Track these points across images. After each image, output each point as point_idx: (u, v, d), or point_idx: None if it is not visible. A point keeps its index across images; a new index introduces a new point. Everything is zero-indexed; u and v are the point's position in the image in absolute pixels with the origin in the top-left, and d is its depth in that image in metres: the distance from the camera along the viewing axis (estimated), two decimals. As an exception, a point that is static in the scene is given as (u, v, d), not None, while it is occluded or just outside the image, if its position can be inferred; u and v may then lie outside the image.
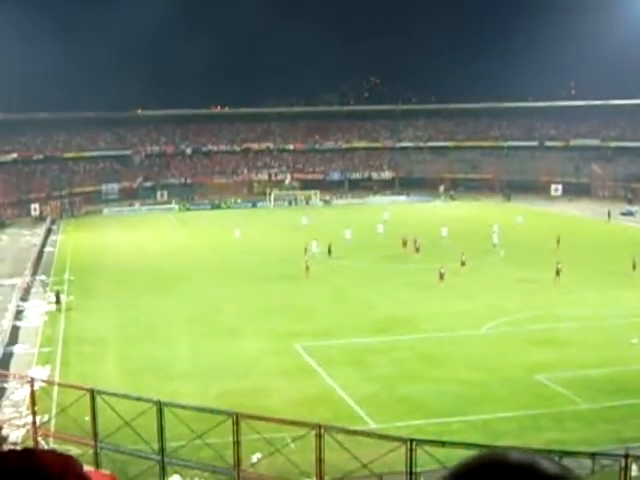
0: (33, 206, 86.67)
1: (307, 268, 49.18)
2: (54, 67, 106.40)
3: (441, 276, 46.04)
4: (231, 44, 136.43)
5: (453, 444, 17.08)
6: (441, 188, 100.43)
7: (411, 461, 16.34)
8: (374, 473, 17.36)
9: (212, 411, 19.80)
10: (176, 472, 19.32)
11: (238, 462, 18.30)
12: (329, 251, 56.05)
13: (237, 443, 18.12)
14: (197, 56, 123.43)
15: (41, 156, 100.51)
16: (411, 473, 16.40)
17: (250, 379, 29.88)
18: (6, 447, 21.00)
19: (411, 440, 16.67)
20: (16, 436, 23.52)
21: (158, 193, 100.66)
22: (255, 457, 20.45)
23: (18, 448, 1.71)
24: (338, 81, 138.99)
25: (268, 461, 19.86)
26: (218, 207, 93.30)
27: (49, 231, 74.78)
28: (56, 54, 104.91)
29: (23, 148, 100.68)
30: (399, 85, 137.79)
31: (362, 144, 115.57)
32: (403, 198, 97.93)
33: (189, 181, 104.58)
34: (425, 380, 29.51)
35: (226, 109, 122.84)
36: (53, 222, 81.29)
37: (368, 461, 17.33)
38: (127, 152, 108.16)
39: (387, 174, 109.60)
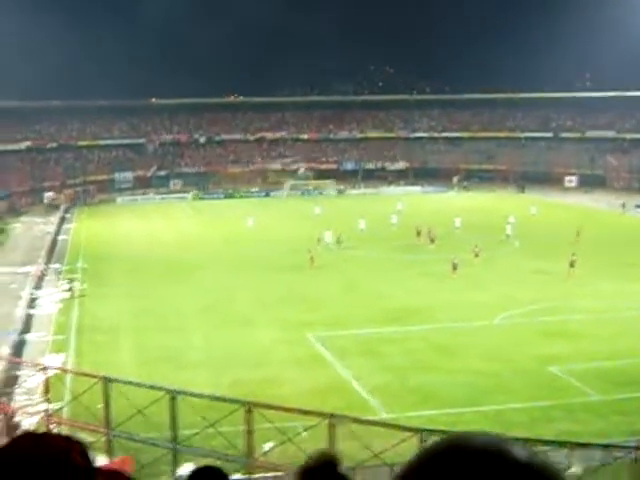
0: (47, 194, 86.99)
1: (311, 259, 48.98)
2: (68, 55, 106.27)
3: (454, 267, 45.89)
4: (246, 33, 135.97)
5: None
6: (455, 179, 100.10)
7: (423, 451, 16.29)
8: (386, 463, 17.35)
9: (225, 400, 19.83)
10: (188, 460, 19.36)
11: (250, 451, 18.35)
12: (338, 241, 55.95)
13: (249, 432, 18.17)
14: (211, 45, 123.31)
15: (55, 144, 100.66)
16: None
17: (263, 368, 29.92)
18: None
19: (423, 430, 16.68)
20: (29, 423, 23.64)
21: (172, 182, 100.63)
22: (267, 446, 20.47)
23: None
24: (353, 71, 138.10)
25: (280, 450, 19.87)
26: (232, 196, 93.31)
27: (62, 219, 75.02)
28: (70, 43, 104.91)
29: (37, 136, 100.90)
30: (414, 75, 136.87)
31: (376, 134, 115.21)
32: (417, 189, 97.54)
33: (203, 170, 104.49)
34: (438, 370, 29.48)
35: (240, 98, 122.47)
36: (67, 210, 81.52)
37: (380, 451, 17.34)
38: (141, 141, 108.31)
39: (401, 164, 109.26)
